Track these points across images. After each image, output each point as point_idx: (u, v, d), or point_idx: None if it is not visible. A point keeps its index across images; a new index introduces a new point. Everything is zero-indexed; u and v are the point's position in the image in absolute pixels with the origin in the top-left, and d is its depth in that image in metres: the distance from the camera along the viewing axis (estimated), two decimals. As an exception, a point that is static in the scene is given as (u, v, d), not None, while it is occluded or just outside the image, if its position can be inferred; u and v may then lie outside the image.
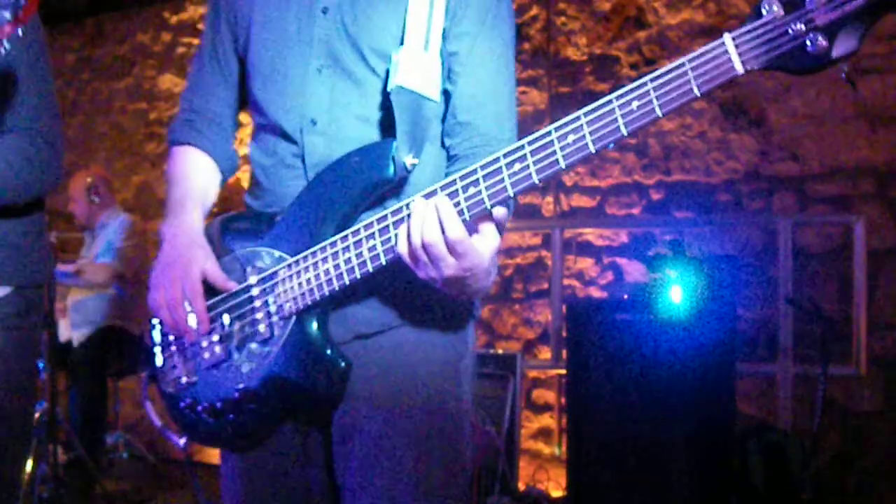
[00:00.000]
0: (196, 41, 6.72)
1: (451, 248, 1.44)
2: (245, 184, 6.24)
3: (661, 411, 3.73)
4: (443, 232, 1.44)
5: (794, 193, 4.73)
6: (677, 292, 3.82)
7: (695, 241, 4.86)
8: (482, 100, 1.72)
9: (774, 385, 4.47)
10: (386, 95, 1.66)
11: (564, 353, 4.27)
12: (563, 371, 4.31)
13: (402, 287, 1.67)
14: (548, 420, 5.30)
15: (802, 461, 3.84)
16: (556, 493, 4.62)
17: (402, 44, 1.65)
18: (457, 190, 1.47)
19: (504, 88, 1.75)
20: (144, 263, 5.55)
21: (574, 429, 4.06)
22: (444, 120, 1.76)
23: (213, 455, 6.27)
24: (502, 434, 4.41)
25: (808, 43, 1.28)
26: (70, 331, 5.35)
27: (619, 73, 5.20)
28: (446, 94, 1.74)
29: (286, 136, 1.76)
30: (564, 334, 4.31)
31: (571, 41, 5.36)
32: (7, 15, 1.57)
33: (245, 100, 1.93)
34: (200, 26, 6.71)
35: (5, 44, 1.60)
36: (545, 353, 5.25)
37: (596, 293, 5.22)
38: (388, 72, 1.66)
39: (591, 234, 5.24)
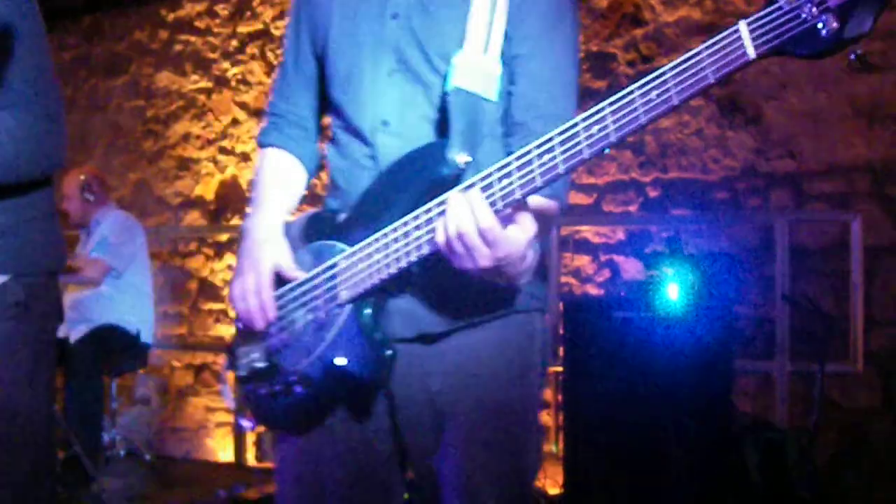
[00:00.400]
0: (193, 38, 6.72)
1: (482, 237, 1.52)
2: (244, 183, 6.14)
3: (658, 409, 3.73)
4: (477, 222, 1.52)
5: (790, 191, 4.73)
6: (674, 290, 3.82)
7: (692, 239, 4.86)
8: (538, 101, 1.80)
9: (771, 382, 4.47)
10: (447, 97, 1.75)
11: (561, 350, 4.27)
12: (560, 369, 4.31)
13: (465, 285, 1.71)
14: (545, 417, 5.30)
15: (800, 459, 3.84)
16: (553, 490, 4.62)
17: (462, 45, 1.74)
18: (492, 182, 1.55)
19: (561, 91, 1.82)
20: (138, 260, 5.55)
21: (571, 426, 4.06)
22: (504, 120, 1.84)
23: (210, 454, 6.27)
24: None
25: (820, 25, 1.29)
26: (66, 328, 5.35)
27: (615, 71, 5.20)
28: (508, 95, 1.81)
29: (361, 138, 1.86)
30: (561, 332, 4.31)
31: (568, 38, 5.36)
32: None
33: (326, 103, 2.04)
34: (197, 24, 6.71)
35: None
36: (542, 351, 5.24)
37: (593, 291, 5.22)
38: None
39: (587, 232, 5.24)
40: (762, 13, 1.33)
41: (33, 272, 2.18)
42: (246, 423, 1.96)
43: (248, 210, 1.98)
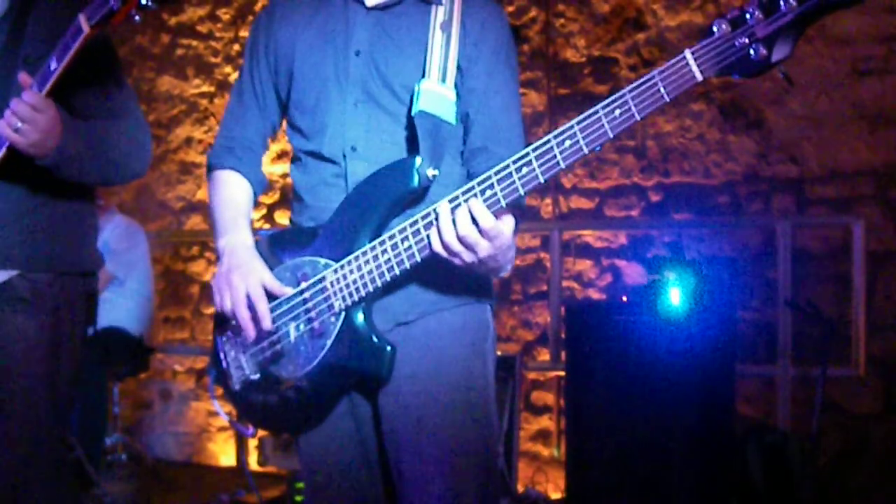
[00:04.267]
0: (195, 42, 6.73)
1: (485, 235, 1.75)
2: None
3: (661, 413, 3.72)
4: (475, 223, 1.75)
5: (792, 195, 4.73)
6: (676, 294, 3.82)
7: (694, 243, 4.86)
8: (497, 129, 2.02)
9: (774, 386, 4.47)
10: (412, 120, 1.94)
11: (563, 354, 4.27)
12: (562, 373, 4.31)
13: (432, 280, 1.96)
14: (546, 422, 5.29)
15: (802, 463, 3.84)
16: (555, 495, 4.62)
17: (423, 76, 1.95)
18: (476, 193, 1.77)
19: (516, 118, 2.06)
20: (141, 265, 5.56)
21: (573, 431, 4.06)
22: (463, 142, 2.05)
23: (212, 458, 6.26)
24: (501, 436, 4.40)
25: (751, 52, 1.58)
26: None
27: (618, 75, 5.20)
28: (463, 119, 2.03)
29: (329, 161, 2.03)
30: (563, 336, 4.31)
31: (570, 43, 5.36)
32: None
33: (275, 127, 2.22)
34: (199, 28, 6.72)
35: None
36: (544, 355, 5.25)
37: (595, 295, 5.22)
38: (411, 100, 1.97)
39: (589, 236, 5.24)
40: (703, 43, 1.61)
41: (40, 270, 2.21)
42: (248, 430, 2.11)
43: (219, 230, 2.10)
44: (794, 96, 4.70)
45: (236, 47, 6.55)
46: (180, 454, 6.40)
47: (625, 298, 4.14)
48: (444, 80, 1.95)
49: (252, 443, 5.64)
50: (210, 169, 2.20)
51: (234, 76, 6.54)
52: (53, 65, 1.99)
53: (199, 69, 6.72)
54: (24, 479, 2.17)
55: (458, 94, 1.99)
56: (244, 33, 6.52)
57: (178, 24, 6.83)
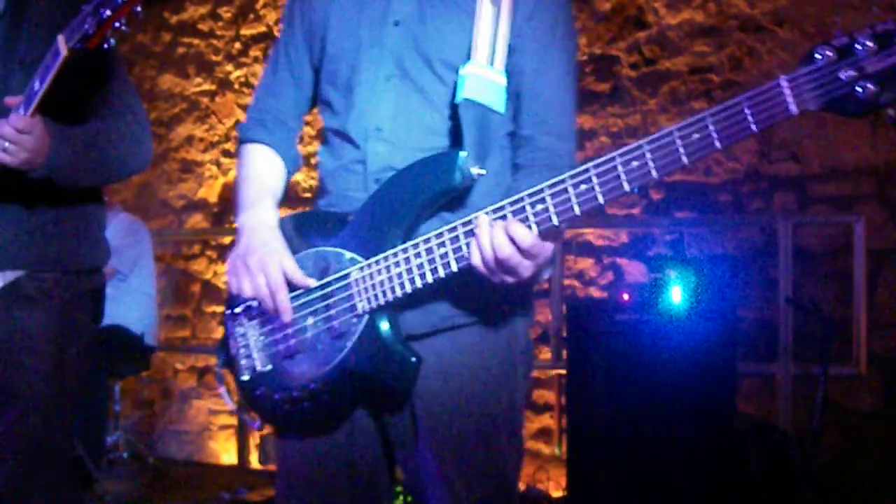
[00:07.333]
0: (196, 41, 6.73)
1: (527, 255, 1.57)
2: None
3: (662, 411, 3.72)
4: (516, 245, 1.55)
5: (794, 193, 4.72)
6: (677, 292, 3.82)
7: (695, 242, 4.86)
8: (547, 116, 1.82)
9: (775, 385, 4.47)
10: (451, 106, 1.77)
11: (564, 353, 4.27)
12: (564, 371, 4.31)
13: (449, 287, 1.74)
14: (548, 420, 5.30)
15: (803, 461, 3.84)
16: (557, 493, 4.62)
17: (469, 58, 1.74)
18: (525, 205, 1.58)
19: (568, 107, 1.85)
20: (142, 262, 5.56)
21: (574, 429, 4.05)
22: (510, 132, 1.85)
23: (213, 456, 6.27)
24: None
25: (858, 89, 1.35)
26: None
27: (619, 74, 5.19)
28: (513, 101, 1.82)
29: (351, 142, 1.85)
30: (564, 334, 4.31)
31: (571, 41, 5.36)
32: (108, 12, 1.79)
33: (312, 102, 2.04)
34: (200, 26, 6.72)
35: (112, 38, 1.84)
36: (545, 354, 5.24)
37: (596, 293, 5.21)
38: (454, 84, 1.76)
39: (591, 235, 5.24)
40: (802, 72, 1.39)
41: (47, 269, 2.22)
42: (255, 424, 1.97)
43: (241, 205, 1.95)
44: (796, 94, 4.69)
45: (237, 45, 6.55)
46: (181, 453, 6.41)
47: (626, 297, 4.14)
48: (492, 61, 1.74)
49: (253, 441, 5.65)
50: (240, 143, 2.03)
51: (235, 74, 6.55)
52: (37, 85, 1.97)
53: (201, 67, 6.72)
54: (32, 472, 2.19)
55: (508, 76, 1.77)
56: (245, 31, 6.52)
57: (179, 23, 6.84)
